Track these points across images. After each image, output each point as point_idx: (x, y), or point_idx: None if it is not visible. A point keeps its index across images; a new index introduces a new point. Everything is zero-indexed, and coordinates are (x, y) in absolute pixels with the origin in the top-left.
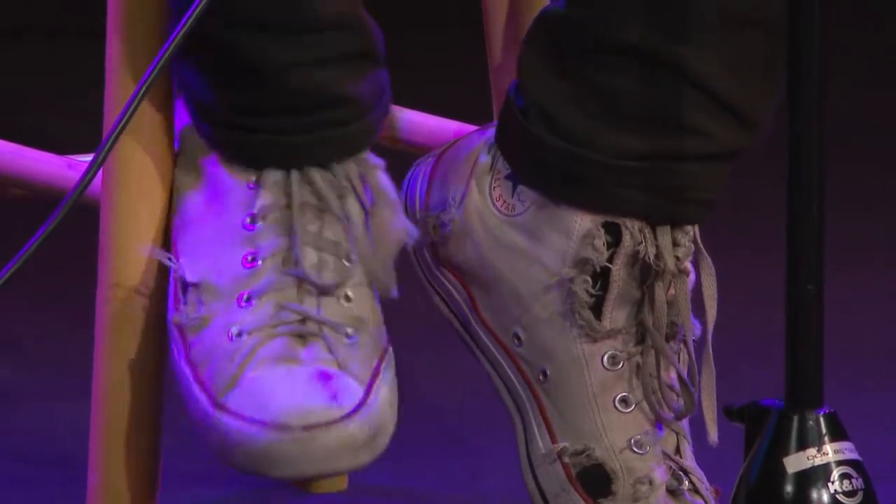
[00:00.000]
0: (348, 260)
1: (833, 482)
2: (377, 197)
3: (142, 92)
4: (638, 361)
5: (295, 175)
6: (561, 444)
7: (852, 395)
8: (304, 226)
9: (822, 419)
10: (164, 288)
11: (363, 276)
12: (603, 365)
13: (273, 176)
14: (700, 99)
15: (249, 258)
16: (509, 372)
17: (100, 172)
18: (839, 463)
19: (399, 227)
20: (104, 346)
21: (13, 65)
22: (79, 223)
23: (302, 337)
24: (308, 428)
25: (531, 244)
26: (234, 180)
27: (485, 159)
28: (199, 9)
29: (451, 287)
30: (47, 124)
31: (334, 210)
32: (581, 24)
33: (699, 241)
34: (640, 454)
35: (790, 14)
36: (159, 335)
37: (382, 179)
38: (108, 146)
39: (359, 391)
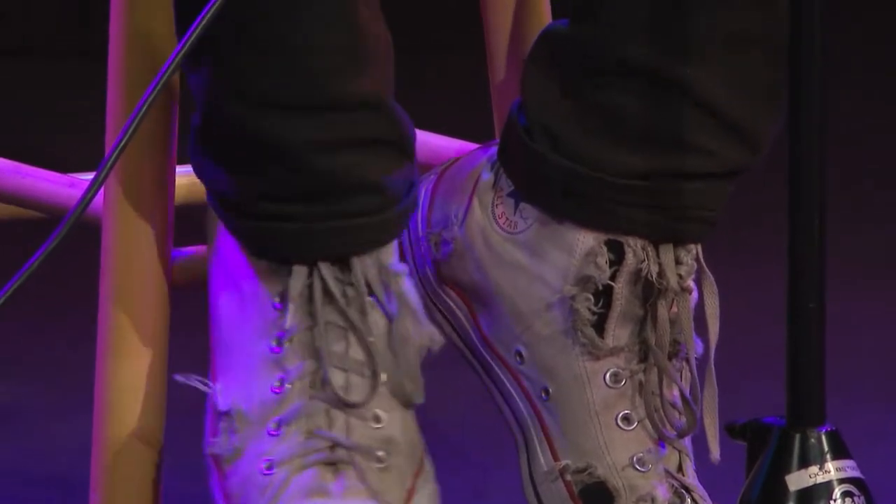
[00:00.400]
0: (375, 377)
1: (835, 500)
2: (401, 306)
3: (143, 110)
4: (640, 379)
5: (318, 293)
6: (563, 462)
7: (854, 413)
8: (329, 347)
9: (824, 437)
10: (165, 305)
11: (389, 390)
12: (605, 382)
13: (296, 289)
14: (702, 117)
15: (277, 383)
16: (511, 389)
17: (101, 191)
18: (841, 481)
19: (422, 335)
20: (106, 365)
21: (16, 83)
22: (80, 241)
23: (332, 464)
24: None
25: (533, 261)
26: (260, 294)
27: (487, 177)
28: (200, 26)
29: (452, 304)
30: (49, 142)
31: (359, 329)
32: (584, 43)
33: (701, 258)
34: (643, 472)
35: (791, 33)
36: (161, 352)
37: (406, 287)
38: (109, 164)
39: None
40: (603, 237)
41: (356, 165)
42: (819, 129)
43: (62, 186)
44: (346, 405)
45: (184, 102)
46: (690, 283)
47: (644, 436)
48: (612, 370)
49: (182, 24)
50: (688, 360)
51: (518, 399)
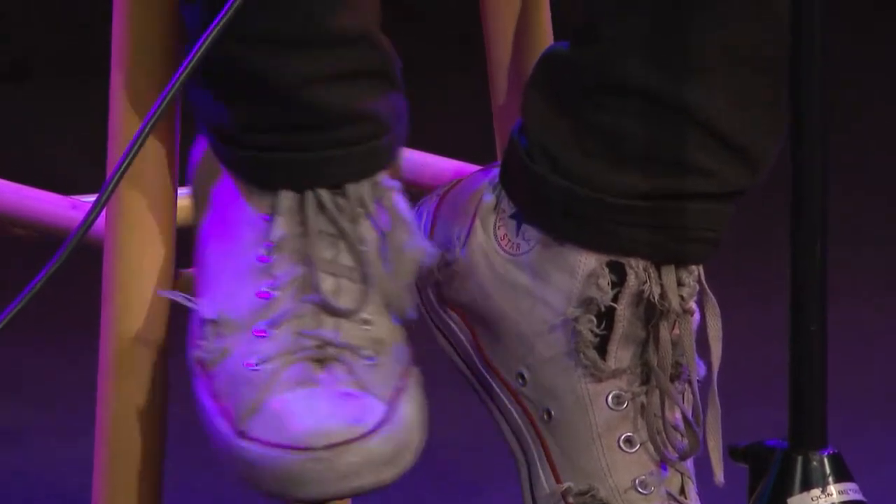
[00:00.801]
0: (365, 283)
1: None
2: (393, 219)
3: (145, 132)
4: (643, 401)
5: (310, 202)
6: (565, 485)
7: (857, 436)
8: (320, 253)
9: (826, 460)
10: (167, 327)
11: (381, 299)
12: (607, 405)
13: (287, 202)
14: (703, 138)
15: (266, 289)
16: (513, 411)
17: (103, 212)
18: None
19: (416, 248)
20: (107, 386)
21: (17, 104)
22: (82, 263)
23: (321, 361)
24: (330, 447)
25: (535, 283)
26: (250, 212)
27: (489, 198)
28: (201, 50)
29: (454, 326)
30: (51, 164)
31: (349, 236)
32: (584, 65)
33: (703, 280)
34: (645, 494)
35: (792, 53)
36: (163, 375)
37: (398, 201)
38: (111, 186)
39: (381, 408)
40: (605, 259)
41: (347, 97)
42: (821, 149)
43: (64, 208)
44: (335, 309)
45: (185, 124)
46: (692, 304)
47: (646, 458)
48: (614, 392)
49: (193, 36)
50: (690, 382)
51: (520, 421)
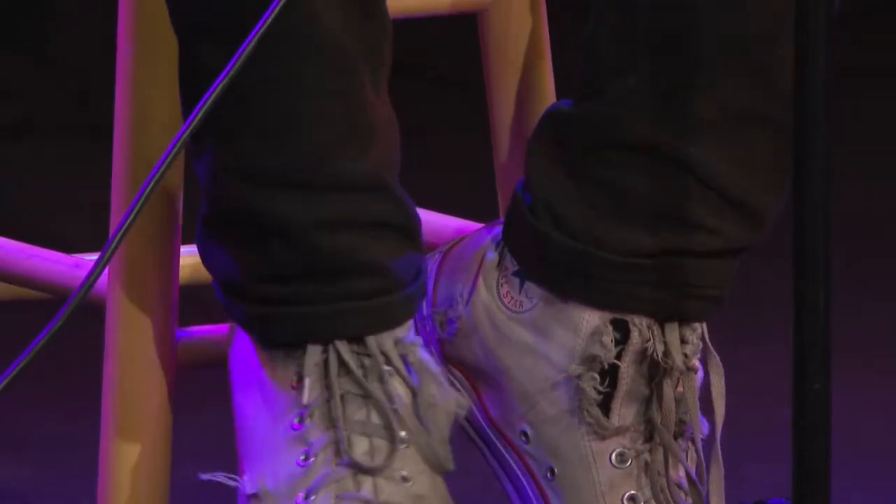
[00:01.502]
0: (400, 441)
1: None
2: (420, 374)
3: (148, 190)
4: (646, 459)
5: (333, 364)
6: None
7: (861, 494)
8: (349, 416)
9: None
10: (168, 388)
11: (419, 455)
12: (611, 462)
13: (311, 367)
14: (706, 195)
15: (302, 457)
16: (516, 469)
17: (105, 272)
18: None
19: (448, 401)
20: (109, 445)
21: (20, 163)
22: (84, 322)
23: None
24: None
25: (539, 341)
26: (276, 383)
27: (492, 256)
28: (204, 108)
29: (458, 384)
30: (54, 223)
31: (377, 395)
32: (587, 122)
33: (707, 337)
34: None
35: (795, 110)
36: (165, 434)
37: (423, 356)
38: (113, 245)
39: None
40: (608, 316)
41: (360, 246)
42: (824, 207)
43: (66, 267)
44: (369, 469)
45: (188, 183)
46: (696, 362)
47: None
48: (617, 450)
49: (187, 102)
50: (693, 440)
51: (523, 479)
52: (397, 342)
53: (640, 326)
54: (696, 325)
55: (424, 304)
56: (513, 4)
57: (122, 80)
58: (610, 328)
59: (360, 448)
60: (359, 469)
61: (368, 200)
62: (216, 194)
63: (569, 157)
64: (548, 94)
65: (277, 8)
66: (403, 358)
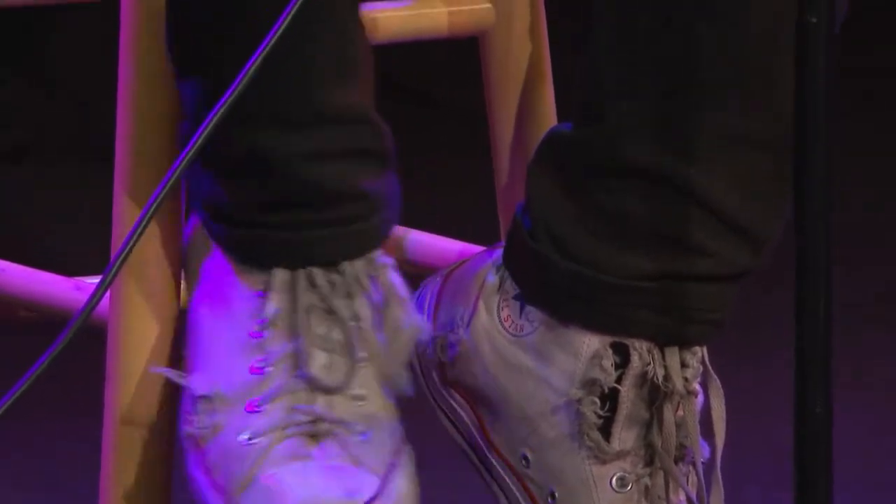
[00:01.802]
0: (358, 360)
1: None
2: (388, 296)
3: (150, 213)
4: (647, 483)
5: (301, 279)
6: None
7: None
8: (311, 328)
9: None
10: (172, 410)
11: (376, 375)
12: (612, 487)
13: (280, 281)
14: (707, 219)
15: (259, 365)
16: (517, 493)
17: (107, 294)
18: None
19: (411, 325)
20: (110, 467)
21: (21, 186)
22: (86, 344)
23: (314, 437)
24: None
25: (539, 364)
26: (243, 289)
27: (493, 279)
28: (207, 130)
29: (458, 407)
30: (55, 246)
31: (341, 312)
32: (588, 145)
33: (707, 361)
34: None
35: (797, 135)
36: (166, 455)
37: (393, 278)
38: (115, 267)
39: (375, 482)
40: (609, 340)
41: (344, 175)
42: (825, 231)
43: (68, 290)
44: (325, 386)
45: (189, 204)
46: (696, 386)
47: None
48: (618, 474)
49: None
50: (694, 464)
51: (523, 502)
52: (369, 262)
53: (640, 350)
54: (697, 348)
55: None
56: (513, 28)
57: (123, 103)
58: (610, 352)
59: (318, 361)
60: (315, 385)
61: (351, 132)
62: (200, 121)
63: (569, 181)
64: (548, 116)
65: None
66: (373, 278)
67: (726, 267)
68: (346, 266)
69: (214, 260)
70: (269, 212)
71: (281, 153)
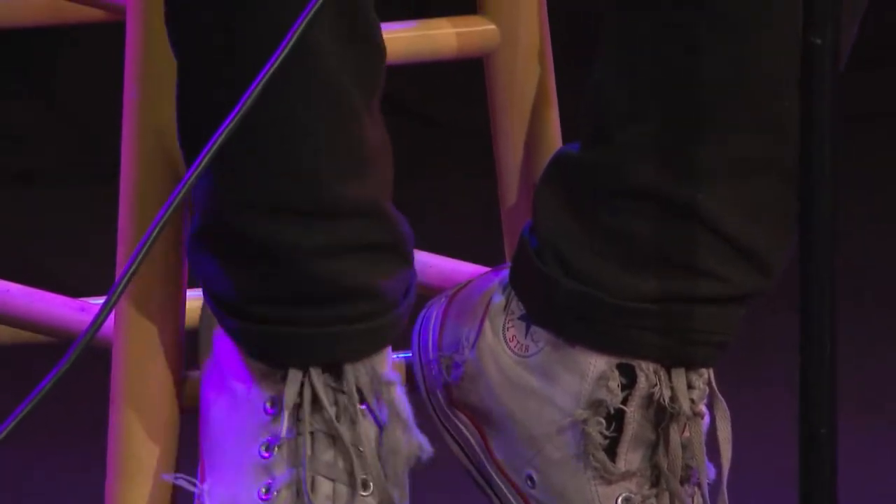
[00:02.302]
0: (364, 487)
1: None
2: (391, 415)
3: (154, 234)
4: None
5: (307, 401)
6: None
7: None
8: (318, 455)
9: None
10: (175, 432)
11: (377, 500)
12: None
13: (290, 396)
14: (713, 242)
15: (264, 489)
16: None
17: (111, 315)
18: None
19: (412, 445)
20: (115, 489)
21: (26, 208)
22: (91, 365)
23: None
24: None
25: (544, 385)
26: (252, 399)
27: (499, 299)
28: (210, 152)
29: (463, 428)
30: (60, 267)
31: (346, 438)
32: (595, 167)
33: (713, 382)
34: None
35: (802, 157)
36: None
37: (398, 397)
38: (120, 288)
39: None
40: (615, 361)
41: (354, 271)
42: (829, 254)
43: (73, 311)
44: None
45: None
46: (702, 407)
47: None
48: (624, 495)
49: (185, 139)
50: (700, 486)
51: None
52: (374, 377)
53: (646, 371)
54: (703, 370)
55: (431, 346)
56: (519, 50)
57: (128, 126)
58: (616, 373)
59: (323, 491)
60: None
61: (363, 225)
62: (209, 210)
63: (576, 202)
64: (554, 138)
65: (282, 55)
66: (377, 395)
67: (733, 289)
68: (349, 370)
69: (223, 335)
70: (272, 304)
71: (285, 244)
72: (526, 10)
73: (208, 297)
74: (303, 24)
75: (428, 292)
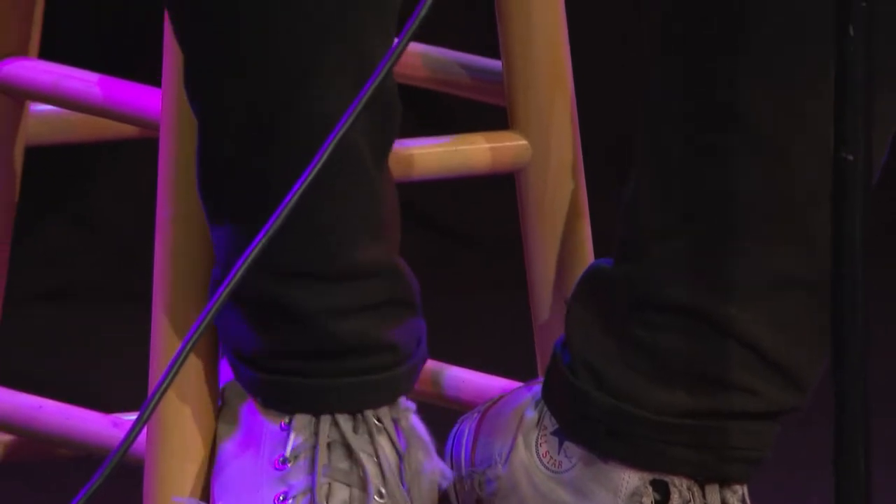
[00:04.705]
0: (380, 496)
1: None
2: (410, 440)
3: (186, 350)
4: None
5: (325, 417)
6: None
7: None
8: (334, 463)
9: None
10: None
11: None
12: None
13: (304, 417)
14: (747, 357)
15: (280, 497)
16: None
17: (144, 430)
18: None
19: (433, 470)
20: None
21: (60, 324)
22: (123, 481)
23: None
24: None
25: (578, 501)
26: (268, 422)
27: (531, 415)
28: (240, 272)
29: None
30: (94, 385)
31: (363, 449)
32: (628, 282)
33: (747, 499)
34: None
35: (833, 273)
36: None
37: (415, 422)
38: (153, 403)
39: None
40: (648, 476)
41: (371, 327)
42: (861, 366)
43: (105, 426)
44: None
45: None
46: None
47: None
48: None
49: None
50: None
51: None
52: (391, 408)
53: (680, 488)
54: (737, 486)
55: (464, 462)
56: (550, 165)
57: (161, 242)
58: (650, 489)
59: (339, 496)
60: None
61: (377, 284)
62: (230, 269)
63: (609, 317)
64: (586, 252)
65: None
66: (395, 422)
67: (767, 405)
68: (370, 414)
69: (249, 405)
70: (294, 359)
71: (307, 307)
72: (557, 125)
73: (227, 348)
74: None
75: (460, 407)
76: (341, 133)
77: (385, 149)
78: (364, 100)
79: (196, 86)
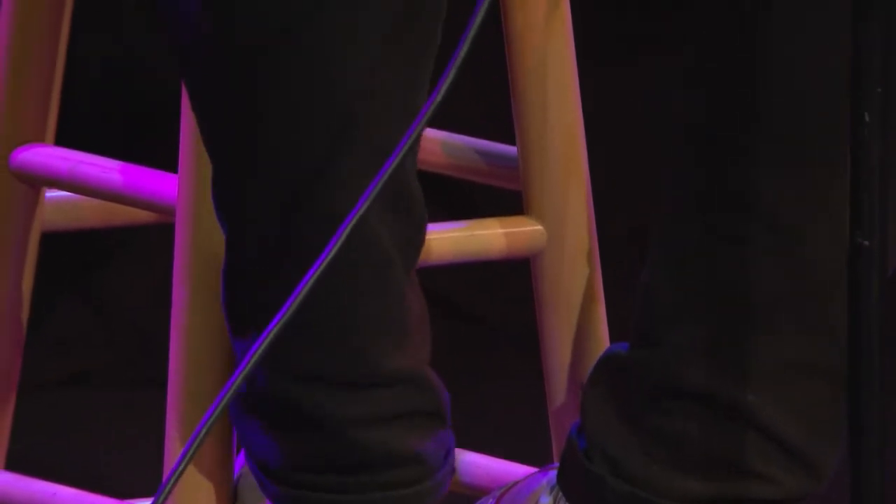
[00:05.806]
0: None
1: None
2: None
3: (200, 436)
4: None
5: None
6: None
7: None
8: None
9: None
10: None
11: None
12: None
13: None
14: (764, 444)
15: None
16: None
17: None
18: None
19: None
20: None
21: (74, 410)
22: None
23: None
24: None
25: None
26: None
27: (546, 500)
28: (255, 357)
29: None
30: (109, 471)
31: None
32: (644, 368)
33: None
34: None
35: (849, 360)
36: None
37: None
38: (166, 490)
39: None
40: None
41: (395, 438)
42: (879, 455)
43: None
44: None
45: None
46: None
47: None
48: None
49: (229, 294)
50: None
51: None
52: None
53: None
54: None
55: None
56: (565, 250)
57: (176, 328)
58: None
59: None
60: None
61: (403, 393)
62: (253, 377)
63: (624, 403)
64: (601, 338)
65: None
66: None
67: (784, 492)
68: None
69: None
70: (318, 472)
71: (332, 415)
72: (573, 210)
73: (251, 461)
74: (357, 215)
75: (475, 493)
76: (355, 220)
77: (413, 260)
78: (378, 186)
79: (222, 193)
